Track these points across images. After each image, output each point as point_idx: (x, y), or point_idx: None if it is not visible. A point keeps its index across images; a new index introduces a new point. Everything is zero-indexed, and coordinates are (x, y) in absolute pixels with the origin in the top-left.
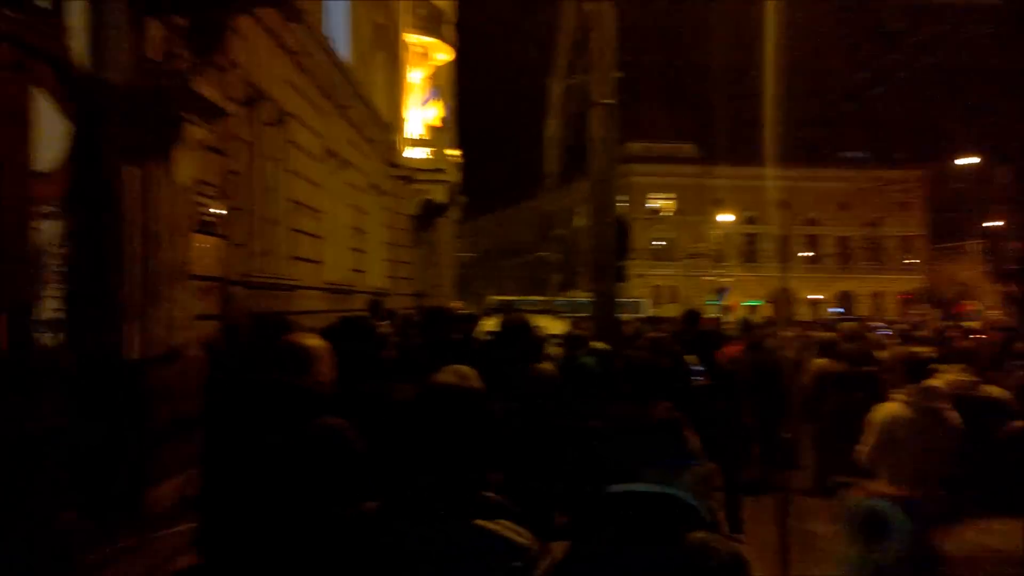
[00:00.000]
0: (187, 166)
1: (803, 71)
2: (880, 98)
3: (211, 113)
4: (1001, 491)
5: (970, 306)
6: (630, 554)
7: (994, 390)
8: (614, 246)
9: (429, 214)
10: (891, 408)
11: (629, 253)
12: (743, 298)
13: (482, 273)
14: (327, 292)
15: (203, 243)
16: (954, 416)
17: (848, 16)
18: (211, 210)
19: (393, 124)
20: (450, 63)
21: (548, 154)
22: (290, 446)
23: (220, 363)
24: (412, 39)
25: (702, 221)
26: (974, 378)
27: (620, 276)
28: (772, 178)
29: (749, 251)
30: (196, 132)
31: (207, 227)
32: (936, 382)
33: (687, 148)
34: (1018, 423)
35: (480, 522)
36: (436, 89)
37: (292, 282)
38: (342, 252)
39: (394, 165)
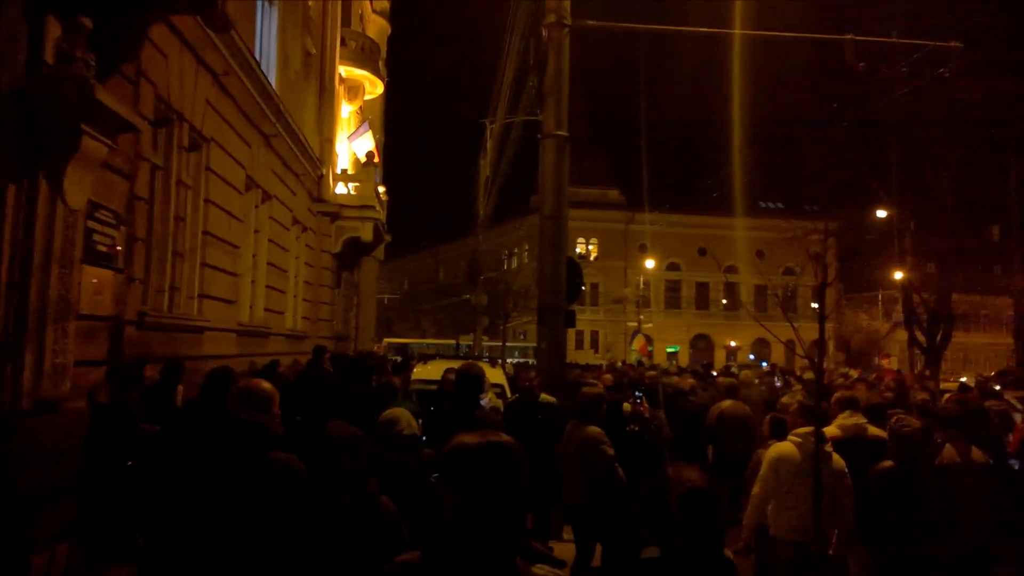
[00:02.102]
0: (82, 186)
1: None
2: (799, 149)
3: (115, 128)
4: (868, 525)
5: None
6: None
7: (880, 432)
8: (564, 288)
9: (354, 253)
10: (782, 448)
11: (579, 296)
12: (664, 344)
13: (404, 315)
14: (240, 335)
15: (95, 276)
16: (837, 459)
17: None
18: (108, 239)
19: (322, 158)
20: (380, 97)
21: (481, 194)
22: (250, 479)
23: (104, 417)
24: (346, 71)
25: (626, 266)
26: (862, 421)
27: (570, 321)
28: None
29: (671, 297)
30: (96, 149)
31: (101, 258)
32: (831, 427)
33: (612, 194)
34: (886, 463)
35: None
36: (366, 123)
37: (200, 323)
38: (259, 291)
39: (320, 200)
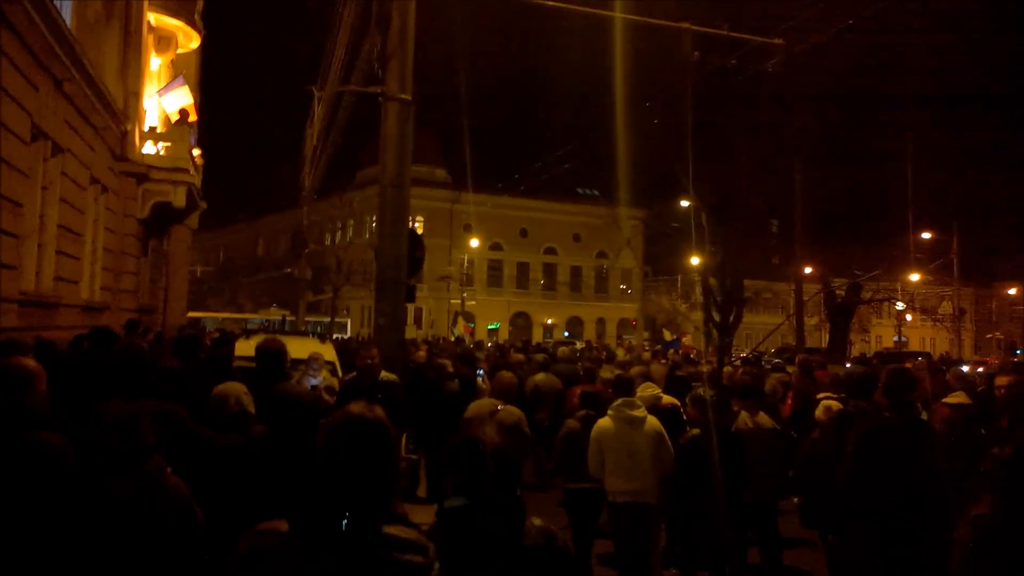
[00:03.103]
0: None
1: (551, 106)
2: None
3: None
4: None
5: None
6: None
7: (673, 400)
8: (405, 261)
9: (163, 219)
10: (600, 422)
11: (420, 270)
12: (485, 321)
13: (219, 288)
14: (22, 305)
15: None
16: (652, 420)
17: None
18: None
19: (127, 113)
20: (196, 52)
21: (307, 165)
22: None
23: None
24: (155, 19)
25: (451, 245)
26: (658, 392)
27: (410, 296)
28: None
29: (493, 276)
30: None
31: None
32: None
33: (439, 173)
34: (693, 431)
35: (380, 549)
36: (180, 78)
37: None
38: (47, 257)
39: (124, 159)
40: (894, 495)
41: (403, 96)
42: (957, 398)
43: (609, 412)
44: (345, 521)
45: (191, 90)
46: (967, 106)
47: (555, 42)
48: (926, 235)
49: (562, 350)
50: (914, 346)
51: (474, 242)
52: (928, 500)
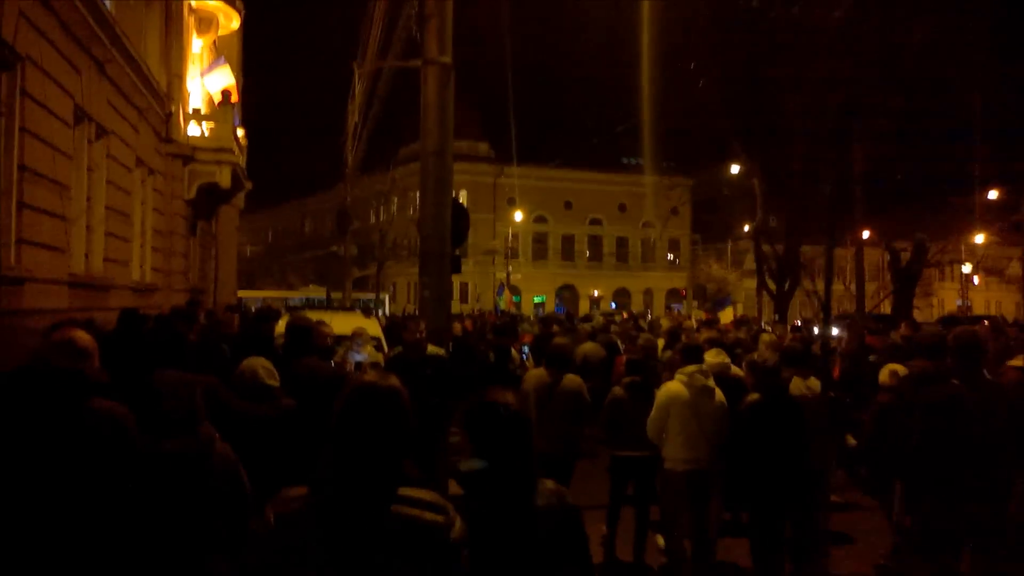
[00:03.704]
0: None
1: (594, 78)
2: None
3: None
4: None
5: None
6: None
7: (739, 371)
8: (449, 232)
9: (210, 200)
10: (671, 387)
11: (464, 241)
12: (531, 294)
13: (268, 268)
14: (72, 287)
15: None
16: (719, 393)
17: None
18: None
19: (171, 95)
20: (237, 33)
21: (349, 142)
22: (65, 428)
23: None
24: (196, 1)
25: (495, 219)
26: (727, 360)
27: (456, 267)
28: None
29: (538, 248)
30: None
31: None
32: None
33: (482, 147)
34: (753, 395)
35: (397, 508)
36: (222, 58)
37: (18, 273)
38: (96, 239)
39: (169, 141)
40: (962, 462)
41: (443, 60)
42: (1022, 360)
43: (680, 378)
44: (360, 484)
45: (233, 70)
46: None
47: (595, 8)
48: (993, 194)
49: (597, 319)
50: (979, 310)
51: (518, 215)
52: (994, 464)
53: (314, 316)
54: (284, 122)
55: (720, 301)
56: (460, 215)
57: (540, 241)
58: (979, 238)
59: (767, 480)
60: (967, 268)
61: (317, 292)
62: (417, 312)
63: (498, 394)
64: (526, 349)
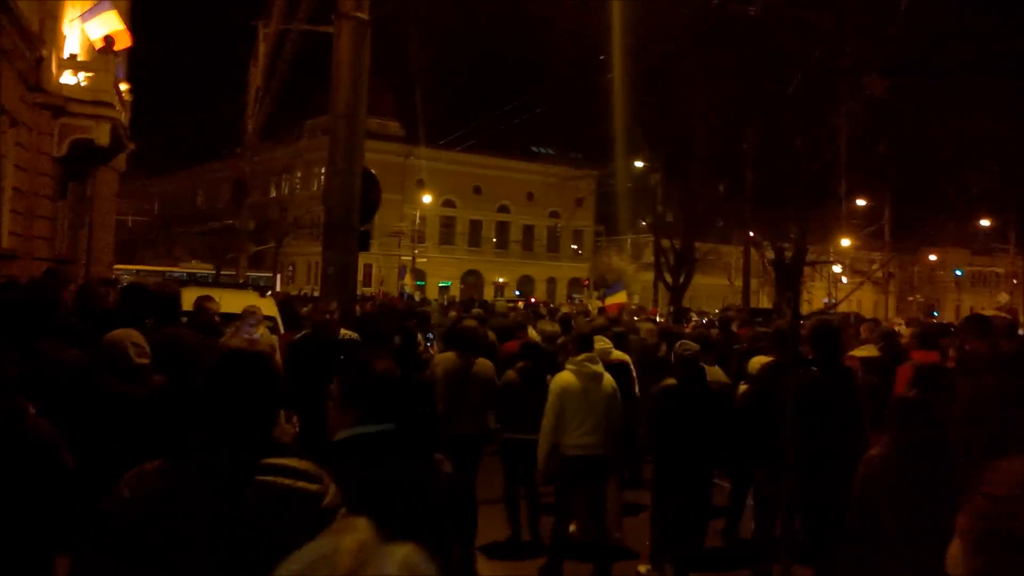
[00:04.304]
0: None
1: (503, 65)
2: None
3: None
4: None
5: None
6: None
7: (623, 356)
8: (358, 204)
9: (85, 159)
10: (562, 378)
11: (374, 215)
12: (436, 279)
13: (153, 239)
14: None
15: None
16: (608, 377)
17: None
18: None
19: (43, 36)
20: None
21: (250, 107)
22: None
23: None
24: None
25: (403, 200)
26: (608, 345)
27: (364, 244)
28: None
29: (445, 233)
30: None
31: None
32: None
33: (392, 126)
34: (668, 380)
35: (264, 477)
36: (107, 2)
37: None
38: None
39: (39, 89)
40: (819, 443)
41: (359, 15)
42: (866, 351)
43: (570, 367)
44: (223, 452)
45: (120, 16)
46: (916, 73)
47: None
48: (861, 202)
49: (500, 304)
50: (842, 307)
51: (427, 198)
52: (849, 446)
53: (196, 292)
54: (178, 81)
55: (612, 287)
56: (371, 185)
57: (448, 225)
58: (845, 241)
59: (681, 461)
60: (838, 268)
61: (203, 268)
62: (319, 292)
63: (384, 364)
64: (430, 334)
